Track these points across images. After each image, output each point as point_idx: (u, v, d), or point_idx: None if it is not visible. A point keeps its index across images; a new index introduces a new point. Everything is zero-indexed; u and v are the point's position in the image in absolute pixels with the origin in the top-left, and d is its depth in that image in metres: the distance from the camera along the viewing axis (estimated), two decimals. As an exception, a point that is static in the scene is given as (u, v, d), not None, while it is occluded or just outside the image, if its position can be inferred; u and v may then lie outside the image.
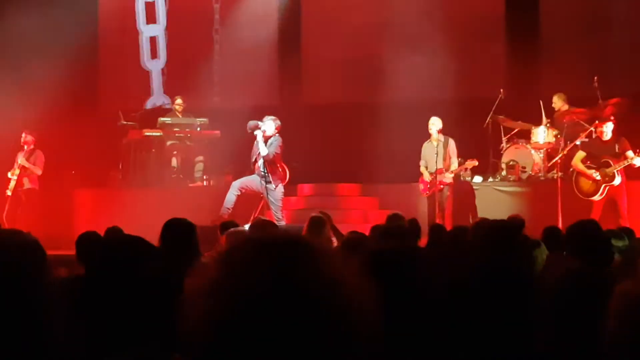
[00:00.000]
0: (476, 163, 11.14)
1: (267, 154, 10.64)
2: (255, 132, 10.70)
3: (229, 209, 10.73)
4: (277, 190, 10.71)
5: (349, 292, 1.24)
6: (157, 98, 14.74)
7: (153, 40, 15.14)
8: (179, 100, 13.31)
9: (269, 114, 11.10)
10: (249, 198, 10.98)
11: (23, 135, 12.71)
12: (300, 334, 1.17)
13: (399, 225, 5.61)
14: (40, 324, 1.77)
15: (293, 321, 1.17)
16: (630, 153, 10.38)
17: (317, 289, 1.21)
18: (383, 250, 2.16)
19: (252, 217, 10.65)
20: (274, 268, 1.22)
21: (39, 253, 1.87)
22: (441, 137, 11.27)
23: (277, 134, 10.79)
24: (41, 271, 1.83)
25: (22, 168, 12.68)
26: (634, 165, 10.34)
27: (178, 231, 4.89)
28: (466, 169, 11.49)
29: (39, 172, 12.76)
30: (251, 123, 10.66)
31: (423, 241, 7.56)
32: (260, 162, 10.68)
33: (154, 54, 15.12)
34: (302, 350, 1.17)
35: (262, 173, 10.65)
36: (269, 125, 10.76)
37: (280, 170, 10.84)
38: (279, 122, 10.84)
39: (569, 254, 4.87)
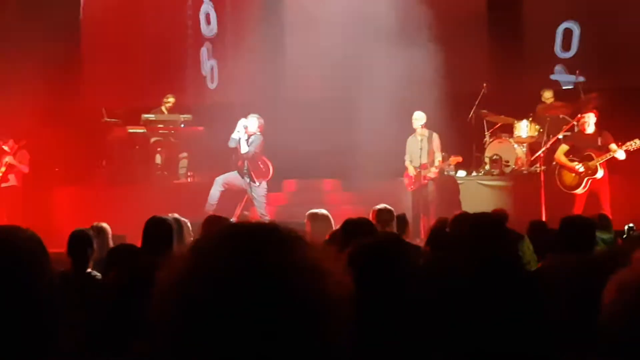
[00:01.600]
0: (460, 159, 11.17)
1: (247, 152, 10.66)
2: (237, 129, 10.71)
3: (213, 204, 10.73)
4: (260, 187, 10.73)
5: (326, 281, 1.22)
6: None
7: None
8: (171, 99, 13.23)
9: (252, 110, 11.09)
10: (233, 193, 10.98)
11: (4, 145, 12.63)
12: (273, 322, 1.15)
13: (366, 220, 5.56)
14: (43, 319, 1.77)
15: (265, 310, 1.15)
16: (613, 146, 10.43)
17: (291, 276, 1.19)
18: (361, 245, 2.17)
19: (236, 212, 10.66)
20: (245, 254, 1.20)
21: (40, 249, 1.87)
22: (425, 131, 11.29)
23: (258, 132, 10.78)
24: (44, 267, 1.84)
25: (8, 166, 12.62)
26: (617, 158, 10.40)
27: (161, 229, 4.88)
28: (450, 165, 11.52)
29: (26, 170, 12.72)
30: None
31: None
32: (246, 162, 10.68)
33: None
34: (275, 340, 1.15)
35: (245, 170, 10.67)
36: (252, 122, 10.76)
37: (262, 167, 10.83)
38: (262, 121, 10.83)
39: (560, 248, 4.90)
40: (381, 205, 7.44)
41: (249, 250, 1.21)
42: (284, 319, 1.16)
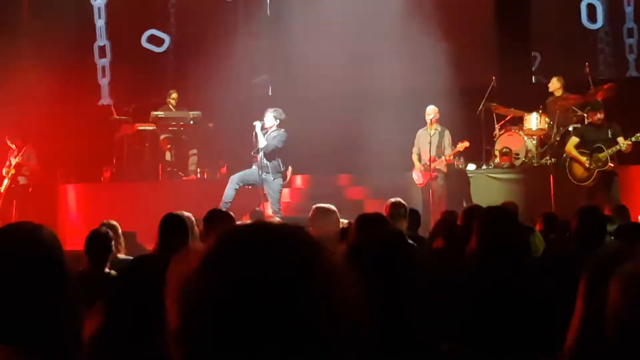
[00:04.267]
0: (467, 144, 11.10)
1: (266, 146, 10.59)
2: (254, 124, 10.67)
3: (227, 203, 10.67)
4: (275, 182, 10.67)
5: (343, 286, 1.22)
6: None
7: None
8: (174, 95, 13.27)
9: (263, 106, 11.09)
10: (249, 191, 10.92)
11: (11, 143, 12.71)
12: (289, 327, 1.15)
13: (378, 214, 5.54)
14: (67, 314, 1.78)
15: (283, 314, 1.15)
16: (620, 139, 10.40)
17: (308, 280, 1.19)
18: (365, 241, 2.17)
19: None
20: (266, 256, 1.19)
21: (60, 245, 1.89)
22: (437, 126, 11.27)
23: (280, 128, 10.71)
24: (65, 262, 1.85)
25: (17, 166, 12.68)
26: (623, 151, 10.37)
27: (176, 225, 4.90)
28: (459, 153, 11.44)
29: (35, 164, 12.78)
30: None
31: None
32: (261, 153, 10.64)
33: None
34: (290, 344, 1.15)
35: (261, 164, 10.61)
36: (267, 117, 10.73)
37: (281, 165, 10.74)
38: (280, 115, 10.74)
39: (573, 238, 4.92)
40: (394, 199, 7.41)
41: (270, 252, 1.21)
42: (300, 324, 1.16)
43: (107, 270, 5.17)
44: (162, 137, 13.00)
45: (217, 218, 5.29)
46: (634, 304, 1.79)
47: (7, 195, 12.72)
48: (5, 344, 1.70)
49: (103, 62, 15.27)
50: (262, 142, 10.57)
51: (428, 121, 11.28)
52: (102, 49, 15.35)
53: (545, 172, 11.24)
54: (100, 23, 15.27)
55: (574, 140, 10.78)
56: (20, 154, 12.71)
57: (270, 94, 14.56)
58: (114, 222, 6.53)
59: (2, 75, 13.05)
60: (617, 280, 1.85)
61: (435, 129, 11.24)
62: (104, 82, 15.20)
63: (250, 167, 10.90)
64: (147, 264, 2.91)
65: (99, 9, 15.28)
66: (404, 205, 7.14)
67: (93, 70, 15.09)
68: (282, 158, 10.78)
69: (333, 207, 6.42)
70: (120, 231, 6.50)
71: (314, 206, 6.57)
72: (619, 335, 1.82)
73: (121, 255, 6.11)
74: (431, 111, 11.28)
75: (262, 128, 10.65)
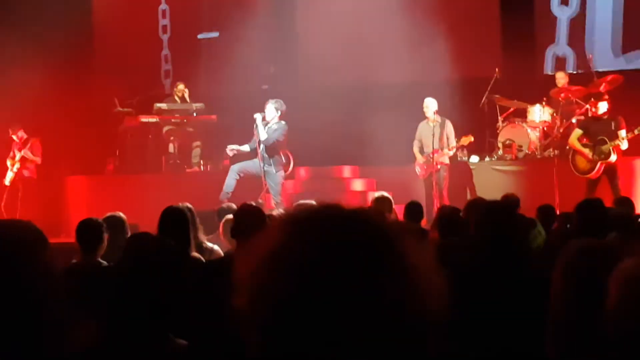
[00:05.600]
0: (472, 139, 11.09)
1: (267, 139, 10.58)
2: (255, 116, 10.66)
3: (228, 193, 10.69)
4: (277, 174, 10.67)
5: (423, 271, 1.19)
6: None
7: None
8: (180, 86, 13.24)
9: (264, 97, 11.09)
10: (250, 183, 10.93)
11: (13, 135, 12.74)
12: (371, 313, 1.13)
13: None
14: (43, 312, 1.77)
15: (367, 298, 1.13)
16: (622, 133, 10.39)
17: (390, 264, 1.17)
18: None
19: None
20: (352, 238, 1.17)
21: (41, 242, 1.87)
22: (438, 118, 11.26)
23: (281, 120, 10.69)
24: (44, 261, 1.83)
25: (22, 160, 12.70)
26: (619, 147, 10.35)
27: (176, 218, 4.90)
28: (462, 147, 11.46)
29: (39, 160, 12.80)
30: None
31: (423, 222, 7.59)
32: (262, 146, 10.64)
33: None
34: (372, 334, 1.13)
35: (263, 156, 10.60)
36: (268, 109, 10.72)
37: (282, 157, 10.75)
38: (281, 106, 10.72)
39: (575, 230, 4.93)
40: (379, 194, 7.43)
41: (357, 235, 1.19)
42: (382, 312, 1.14)
43: (99, 260, 5.11)
44: (165, 129, 13.00)
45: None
46: (631, 301, 1.79)
47: (12, 188, 12.74)
48: None
49: (165, 37, 15.25)
50: (262, 135, 10.56)
51: (429, 114, 11.26)
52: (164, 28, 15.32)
53: (549, 164, 11.22)
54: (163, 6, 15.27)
55: (577, 132, 10.76)
56: (24, 148, 12.73)
57: (272, 85, 14.52)
58: (120, 214, 6.46)
59: (6, 67, 13.06)
60: (618, 277, 1.85)
61: (436, 121, 11.23)
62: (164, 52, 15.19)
63: (252, 158, 10.91)
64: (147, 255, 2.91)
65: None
66: (388, 199, 7.16)
67: (99, 66, 15.08)
68: (284, 150, 10.77)
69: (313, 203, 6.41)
70: (126, 223, 6.44)
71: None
72: (618, 331, 1.82)
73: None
74: (430, 103, 11.26)
75: (263, 120, 10.64)
